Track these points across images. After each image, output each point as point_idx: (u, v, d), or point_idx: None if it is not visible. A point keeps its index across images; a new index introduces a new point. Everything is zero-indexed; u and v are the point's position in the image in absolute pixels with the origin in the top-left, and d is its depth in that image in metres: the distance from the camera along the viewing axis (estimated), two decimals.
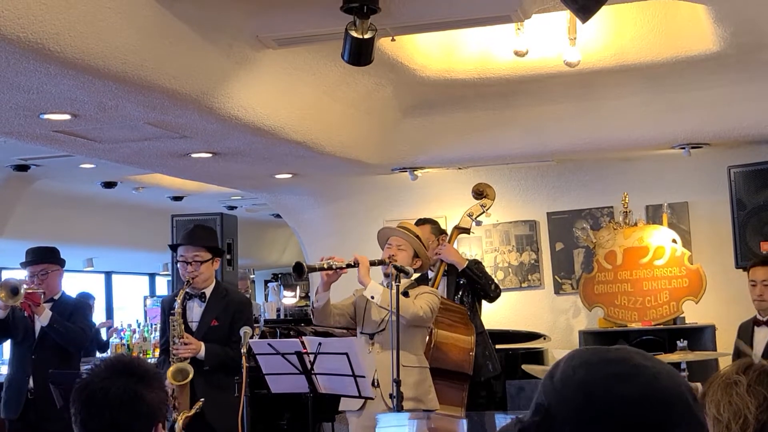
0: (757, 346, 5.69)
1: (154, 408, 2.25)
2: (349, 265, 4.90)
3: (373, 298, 4.93)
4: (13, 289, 5.76)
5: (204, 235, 5.45)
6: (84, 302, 6.42)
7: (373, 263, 5.02)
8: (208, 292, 5.39)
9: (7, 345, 6.45)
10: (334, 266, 4.84)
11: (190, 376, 5.10)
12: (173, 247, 5.61)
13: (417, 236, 5.24)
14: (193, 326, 5.32)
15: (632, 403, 1.11)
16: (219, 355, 5.20)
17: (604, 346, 1.24)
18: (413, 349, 5.07)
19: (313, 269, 4.86)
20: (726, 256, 6.98)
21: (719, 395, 1.87)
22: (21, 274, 6.41)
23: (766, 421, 1.89)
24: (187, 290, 5.30)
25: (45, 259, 6.16)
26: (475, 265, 6.21)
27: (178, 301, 5.23)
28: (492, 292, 6.21)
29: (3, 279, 5.96)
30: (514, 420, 1.23)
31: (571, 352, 1.25)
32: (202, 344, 5.19)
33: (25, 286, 5.83)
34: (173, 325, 5.19)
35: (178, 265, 5.44)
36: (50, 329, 5.86)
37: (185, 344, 5.15)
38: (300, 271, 4.74)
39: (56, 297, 6.17)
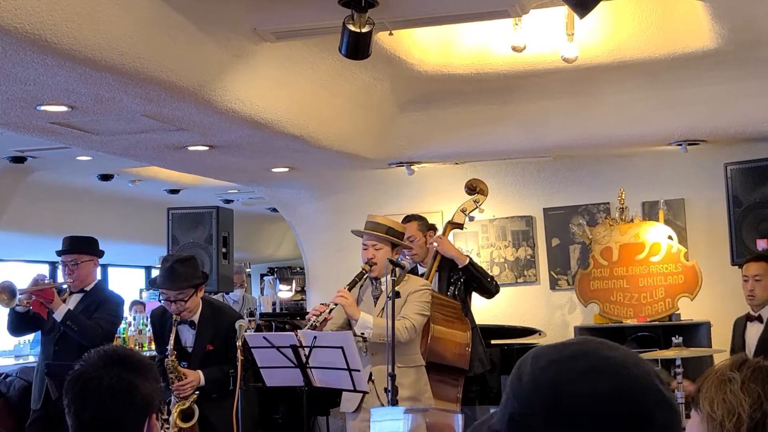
0: (749, 341, 5.71)
1: (147, 398, 2.25)
2: (332, 310, 4.84)
3: (363, 335, 4.84)
4: (11, 292, 5.75)
5: (185, 274, 5.25)
6: (117, 299, 6.31)
7: (354, 284, 4.95)
8: (196, 318, 5.34)
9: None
10: (320, 320, 4.79)
11: (196, 415, 5.10)
12: (153, 285, 5.50)
13: (388, 228, 5.05)
14: (188, 350, 5.30)
15: (604, 397, 1.11)
16: (219, 378, 5.21)
17: (567, 340, 1.23)
18: (409, 349, 4.99)
19: (306, 330, 4.79)
20: (722, 253, 6.99)
21: (713, 392, 1.86)
22: (19, 267, 6.39)
23: (759, 419, 1.88)
24: (176, 318, 5.24)
25: (76, 249, 6.11)
26: (474, 263, 6.22)
27: (171, 339, 5.13)
28: (493, 288, 6.21)
29: (1, 284, 5.90)
30: (488, 417, 1.23)
31: (535, 350, 1.24)
32: (200, 374, 5.18)
33: (31, 284, 5.83)
34: (168, 365, 5.12)
35: (162, 302, 5.34)
36: (63, 326, 5.81)
37: (183, 385, 5.13)
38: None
39: (88, 288, 6.08)
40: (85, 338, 5.80)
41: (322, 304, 4.94)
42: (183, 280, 5.18)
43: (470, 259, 6.23)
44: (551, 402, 1.12)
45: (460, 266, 6.09)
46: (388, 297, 4.72)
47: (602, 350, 1.17)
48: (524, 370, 1.19)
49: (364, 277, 5.01)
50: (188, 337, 5.32)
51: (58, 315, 5.80)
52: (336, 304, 4.86)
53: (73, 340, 5.84)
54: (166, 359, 5.13)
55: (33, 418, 6.09)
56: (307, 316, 4.90)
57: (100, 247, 6.29)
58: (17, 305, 5.80)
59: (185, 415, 5.10)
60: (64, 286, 6.07)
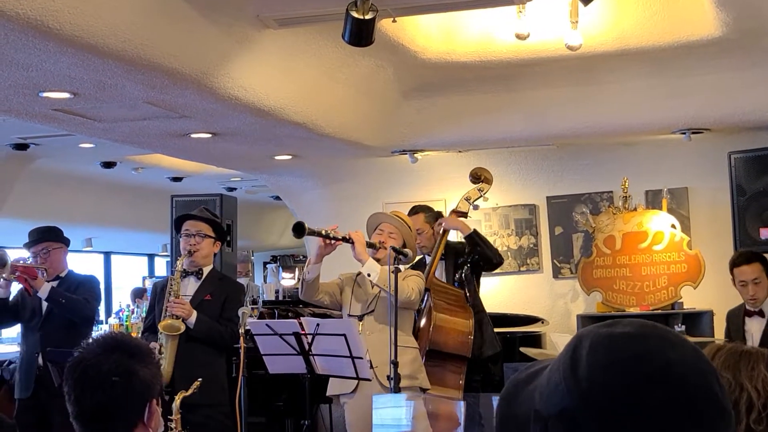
0: (752, 335, 5.68)
1: (147, 383, 2.25)
2: (345, 239, 4.95)
3: (369, 276, 4.94)
4: (2, 261, 5.80)
5: (210, 214, 5.56)
6: (93, 278, 6.41)
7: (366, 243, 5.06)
8: (205, 271, 5.43)
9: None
10: (332, 235, 4.91)
11: (182, 329, 5.14)
12: (178, 223, 5.58)
13: (408, 226, 5.29)
14: (187, 298, 5.34)
15: (666, 407, 1.06)
16: (208, 325, 5.21)
17: (627, 327, 1.14)
18: (405, 329, 5.14)
19: (312, 233, 4.91)
20: (725, 242, 6.97)
21: None
22: (21, 254, 6.41)
23: (732, 410, 1.86)
24: (185, 266, 5.32)
25: (45, 237, 6.18)
26: (478, 233, 6.24)
27: (178, 265, 5.28)
28: (495, 258, 6.21)
29: None
30: (531, 374, 1.18)
31: (593, 337, 1.13)
32: (195, 312, 5.21)
33: (20, 260, 5.88)
34: (171, 284, 5.24)
35: (181, 240, 5.46)
36: (50, 301, 5.89)
37: (177, 302, 5.18)
38: (300, 231, 4.79)
39: (62, 275, 6.17)
40: (73, 312, 5.91)
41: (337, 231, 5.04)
42: (209, 217, 5.44)
43: (475, 230, 6.26)
44: (608, 406, 1.07)
45: (464, 236, 6.11)
46: (394, 270, 4.85)
47: (667, 351, 1.10)
48: (580, 359, 1.11)
49: (374, 247, 5.11)
50: (191, 289, 5.39)
51: (43, 292, 5.88)
52: (350, 238, 4.95)
53: (57, 323, 5.92)
54: (171, 277, 5.27)
55: (22, 407, 6.09)
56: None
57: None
58: (2, 278, 5.84)
59: (171, 327, 5.14)
60: (41, 274, 6.10)
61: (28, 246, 6.20)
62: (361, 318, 5.13)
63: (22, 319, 6.13)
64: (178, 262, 5.33)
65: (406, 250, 5.12)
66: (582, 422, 1.07)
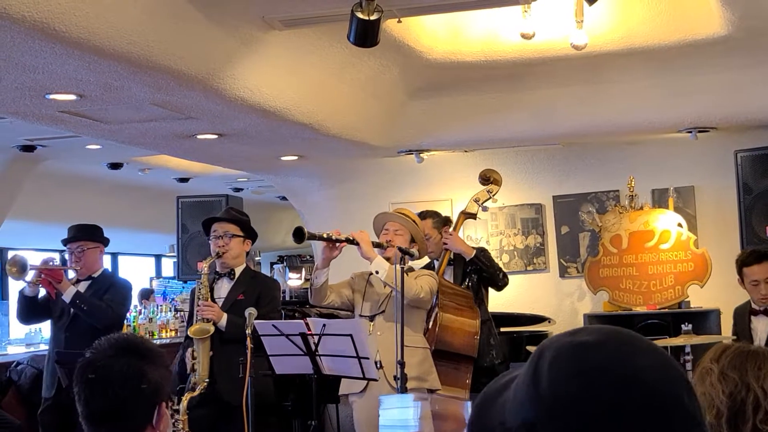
0: (759, 335, 5.66)
1: (157, 385, 2.25)
2: (348, 240, 4.92)
3: (377, 273, 4.94)
4: (22, 266, 5.81)
5: (238, 214, 5.56)
6: (125, 283, 6.37)
7: (372, 243, 5.05)
8: (237, 271, 5.42)
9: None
10: (333, 237, 4.87)
11: (211, 331, 5.15)
12: (206, 226, 5.55)
13: (414, 221, 5.27)
14: (220, 302, 5.34)
15: (631, 417, 1.03)
16: (239, 326, 5.20)
17: (590, 336, 1.10)
18: (415, 329, 5.12)
19: (312, 237, 4.89)
20: (732, 241, 6.97)
21: (697, 385, 1.83)
22: (29, 255, 6.43)
23: (739, 408, 1.84)
24: (217, 269, 5.33)
25: (81, 236, 6.16)
26: (482, 254, 6.21)
27: (205, 266, 5.27)
28: (500, 281, 6.22)
29: (13, 256, 6.00)
30: (501, 386, 1.16)
31: (554, 350, 1.09)
32: (225, 314, 5.22)
33: (50, 261, 5.90)
34: (198, 288, 5.24)
35: (210, 242, 5.45)
36: (73, 306, 5.88)
37: (207, 305, 5.19)
38: (300, 236, 4.76)
39: (95, 275, 6.15)
40: (95, 319, 5.86)
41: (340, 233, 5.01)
42: (235, 217, 5.44)
43: (480, 250, 6.23)
44: (570, 416, 1.04)
45: (467, 259, 6.10)
46: (400, 268, 4.83)
47: (632, 357, 1.07)
48: (542, 374, 1.07)
49: (381, 247, 5.10)
50: (224, 290, 5.39)
51: (67, 296, 5.85)
52: (354, 239, 4.93)
53: (83, 326, 5.88)
54: (198, 282, 5.27)
55: (45, 406, 6.13)
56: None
57: (111, 236, 6.33)
58: (27, 282, 5.86)
59: (200, 331, 5.16)
60: (72, 274, 6.11)
61: (65, 242, 6.20)
62: (372, 318, 5.13)
63: (53, 316, 6.11)
64: (204, 265, 5.31)
65: (412, 250, 5.12)
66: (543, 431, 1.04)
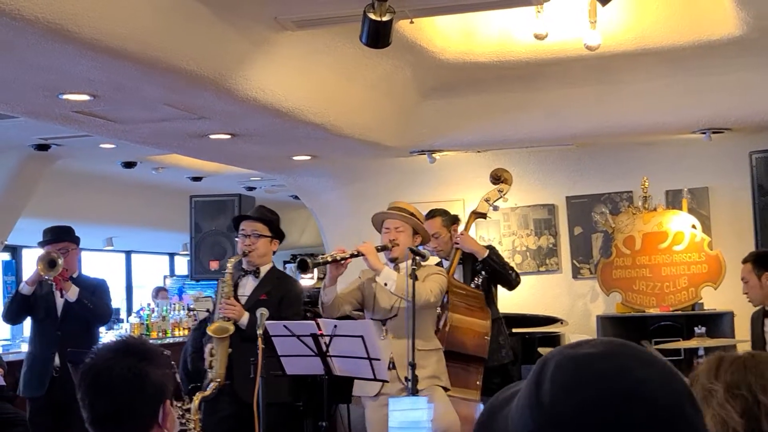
0: None
1: (159, 385, 2.26)
2: (353, 255, 4.91)
3: (386, 285, 4.91)
4: (51, 262, 5.86)
5: (266, 212, 5.48)
6: (105, 282, 6.45)
7: (376, 249, 5.02)
8: (263, 270, 5.37)
9: (27, 324, 6.51)
10: (338, 258, 4.86)
11: (230, 330, 5.12)
12: (235, 223, 5.52)
13: (411, 213, 5.21)
14: (243, 300, 5.30)
15: (631, 428, 1.02)
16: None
17: (593, 349, 1.09)
18: (427, 332, 5.11)
19: (317, 264, 4.88)
20: (746, 242, 6.93)
21: (703, 407, 1.79)
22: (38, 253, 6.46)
23: (755, 427, 1.80)
24: (243, 266, 5.32)
25: (66, 237, 6.21)
26: (494, 253, 6.20)
27: (230, 266, 5.23)
28: (513, 280, 6.20)
29: (43, 252, 6.05)
30: (505, 400, 1.16)
31: (556, 362, 1.09)
32: (247, 313, 5.17)
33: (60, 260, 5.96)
34: (222, 287, 5.21)
35: (237, 240, 5.43)
36: (79, 304, 5.94)
37: (230, 304, 5.16)
38: (304, 268, 4.76)
39: (75, 275, 6.22)
40: (99, 316, 5.97)
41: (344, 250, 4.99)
42: (263, 215, 5.39)
43: (492, 250, 6.21)
44: (573, 430, 1.04)
45: (479, 259, 6.09)
46: (408, 277, 4.82)
47: (635, 370, 1.06)
48: (543, 382, 1.07)
49: (387, 249, 5.08)
50: (249, 288, 5.35)
51: (72, 295, 5.93)
52: (359, 253, 4.90)
53: (76, 323, 5.95)
54: (221, 279, 5.24)
55: (35, 407, 6.08)
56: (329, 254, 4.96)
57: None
58: (46, 279, 5.96)
59: (220, 329, 5.13)
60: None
61: (44, 244, 6.20)
62: (384, 322, 5.11)
63: (36, 314, 6.13)
64: (228, 264, 5.29)
65: (423, 250, 5.10)
66: None
